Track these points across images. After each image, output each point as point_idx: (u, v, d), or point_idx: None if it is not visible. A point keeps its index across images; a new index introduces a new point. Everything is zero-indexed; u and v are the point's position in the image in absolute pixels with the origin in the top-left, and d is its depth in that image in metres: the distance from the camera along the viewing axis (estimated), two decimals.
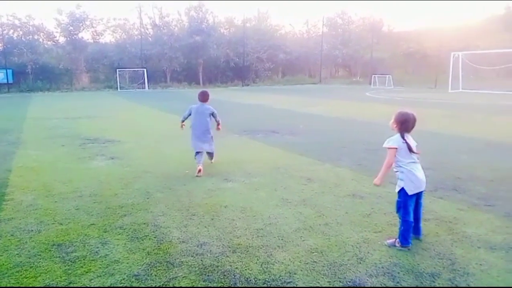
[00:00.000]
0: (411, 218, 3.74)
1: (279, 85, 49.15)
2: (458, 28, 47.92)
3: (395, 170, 3.84)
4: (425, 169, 6.63)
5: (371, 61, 50.15)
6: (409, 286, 3.08)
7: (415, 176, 3.71)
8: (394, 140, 3.76)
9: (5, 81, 36.76)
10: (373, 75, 44.78)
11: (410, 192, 3.71)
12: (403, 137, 3.73)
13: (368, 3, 77.02)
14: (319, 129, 11.91)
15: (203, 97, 7.02)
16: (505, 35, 43.22)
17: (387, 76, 42.89)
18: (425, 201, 4.99)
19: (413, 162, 3.76)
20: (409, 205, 3.73)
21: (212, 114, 7.01)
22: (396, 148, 3.72)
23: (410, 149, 3.71)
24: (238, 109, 18.92)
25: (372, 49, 50.51)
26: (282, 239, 3.95)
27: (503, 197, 5.22)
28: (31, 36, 43.29)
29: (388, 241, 3.82)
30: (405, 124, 3.75)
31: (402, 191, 3.75)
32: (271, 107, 19.79)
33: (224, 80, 49.93)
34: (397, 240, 3.75)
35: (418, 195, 3.81)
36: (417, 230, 3.91)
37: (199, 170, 6.45)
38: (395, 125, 3.80)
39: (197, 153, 6.75)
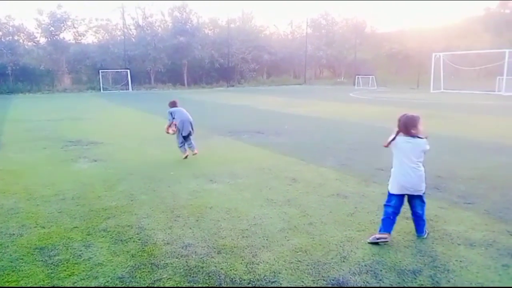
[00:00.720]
0: (389, 209, 3.89)
1: (264, 86, 49.27)
2: (439, 28, 48.83)
3: None
4: None
5: (354, 62, 50.64)
6: (391, 283, 3.14)
7: (393, 178, 3.92)
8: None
9: None
10: (356, 76, 45.22)
11: (391, 191, 3.92)
12: (396, 134, 3.88)
13: (351, 4, 77.81)
14: (303, 129, 11.99)
15: (176, 103, 8.45)
16: (484, 36, 44.13)
17: (371, 76, 43.37)
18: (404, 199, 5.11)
19: (402, 164, 3.86)
20: (390, 199, 3.93)
21: None
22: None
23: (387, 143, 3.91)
24: (223, 110, 18.91)
25: (355, 50, 51.03)
26: (267, 239, 3.97)
27: (483, 195, 5.35)
28: (11, 37, 42.48)
29: (371, 238, 3.92)
30: (401, 123, 3.92)
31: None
32: (256, 108, 19.82)
33: (209, 81, 49.81)
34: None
35: (411, 198, 3.97)
36: (416, 229, 4.06)
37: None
38: (397, 128, 3.91)
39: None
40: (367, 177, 6.29)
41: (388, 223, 3.89)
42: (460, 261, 3.48)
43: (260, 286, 3.12)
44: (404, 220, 4.45)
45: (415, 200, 3.97)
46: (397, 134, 3.86)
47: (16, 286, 3.16)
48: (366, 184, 5.96)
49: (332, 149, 8.72)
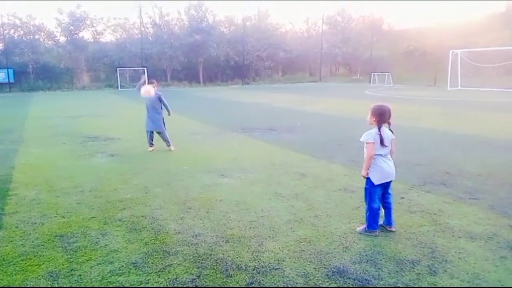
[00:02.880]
0: (376, 205, 4.02)
1: (279, 83, 49.35)
2: (458, 25, 48.02)
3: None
4: (416, 165, 6.90)
5: (371, 59, 50.29)
6: (389, 272, 3.28)
7: (381, 168, 3.96)
8: (371, 134, 3.95)
9: (7, 80, 37.08)
10: (372, 73, 44.93)
11: (375, 182, 3.97)
12: (379, 129, 3.93)
13: (368, 1, 77.00)
14: (316, 126, 12.11)
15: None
16: (505, 33, 43.27)
17: (387, 74, 43.07)
18: (412, 195, 5.23)
19: (381, 155, 3.96)
20: (374, 193, 4.01)
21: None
22: (374, 142, 3.92)
23: (381, 142, 3.92)
24: (237, 108, 19.13)
25: (372, 47, 50.66)
26: (273, 230, 4.15)
27: (489, 191, 5.41)
28: (32, 36, 43.55)
29: (358, 228, 4.11)
30: (382, 117, 3.94)
31: (368, 180, 4.03)
32: (270, 105, 19.98)
33: (224, 79, 50.17)
34: (365, 226, 4.05)
35: (385, 185, 4.06)
36: (388, 221, 4.13)
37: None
38: (374, 119, 3.97)
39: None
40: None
41: (376, 219, 4.03)
42: (459, 252, 3.60)
43: (265, 272, 3.30)
44: (408, 214, 4.58)
45: (388, 188, 4.11)
46: (380, 129, 3.95)
47: (37, 269, 3.41)
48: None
49: (343, 146, 8.84)
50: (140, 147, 9.06)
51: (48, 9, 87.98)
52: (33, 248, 3.80)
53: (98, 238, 4.00)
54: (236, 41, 50.00)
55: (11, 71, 37.38)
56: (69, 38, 43.83)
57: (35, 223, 4.44)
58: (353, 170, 6.61)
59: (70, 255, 3.64)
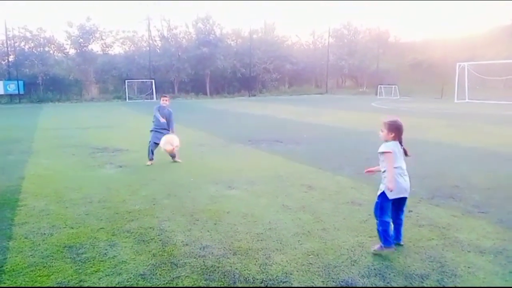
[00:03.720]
0: (388, 219, 3.88)
1: (285, 95, 49.52)
2: (464, 38, 48.11)
3: (383, 175, 3.96)
4: (424, 177, 6.86)
5: (377, 72, 50.37)
6: (398, 286, 3.26)
7: (397, 182, 3.82)
8: (389, 145, 3.87)
9: (17, 92, 37.57)
10: (379, 86, 44.96)
11: (390, 196, 3.83)
12: (401, 143, 3.90)
13: (374, 14, 77.50)
14: (322, 138, 12.12)
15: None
16: (511, 46, 43.19)
17: (393, 86, 43.08)
18: (420, 208, 5.20)
19: (399, 168, 3.87)
20: (386, 207, 3.87)
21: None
22: (391, 152, 3.84)
23: (406, 153, 3.91)
24: (244, 119, 19.20)
25: (378, 59, 50.78)
26: (280, 243, 4.15)
27: (497, 204, 5.37)
28: (42, 48, 44.20)
29: (374, 248, 3.90)
30: (400, 131, 3.88)
31: (382, 194, 3.88)
32: (276, 117, 20.04)
33: (231, 91, 50.46)
34: (381, 244, 3.86)
35: (400, 202, 3.95)
36: (397, 236, 4.04)
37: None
38: (391, 135, 3.88)
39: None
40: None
41: (389, 233, 3.87)
42: (468, 267, 3.57)
43: (272, 285, 3.30)
44: (417, 227, 4.56)
45: (403, 205, 4.01)
46: (401, 140, 3.92)
47: (47, 280, 3.43)
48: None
49: (349, 158, 8.83)
50: (147, 158, 9.11)
51: (58, 22, 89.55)
52: (42, 259, 3.83)
53: (106, 249, 4.02)
54: (243, 54, 50.39)
55: (21, 82, 37.91)
56: (78, 51, 44.44)
57: (44, 233, 4.48)
58: (360, 183, 6.60)
59: (79, 266, 3.67)
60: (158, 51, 48.92)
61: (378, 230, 3.90)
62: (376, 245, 3.92)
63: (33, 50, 43.51)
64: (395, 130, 3.88)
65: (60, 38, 49.53)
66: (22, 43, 43.30)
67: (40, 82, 41.02)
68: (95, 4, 76.73)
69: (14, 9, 70.34)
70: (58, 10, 76.42)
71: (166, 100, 8.74)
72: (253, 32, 53.91)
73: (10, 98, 37.80)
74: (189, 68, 46.39)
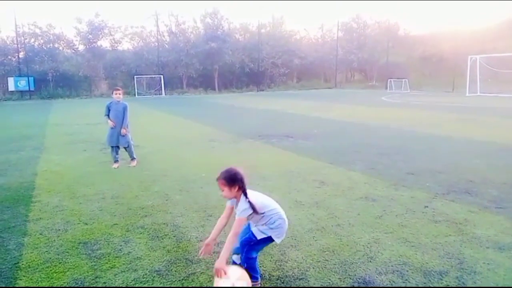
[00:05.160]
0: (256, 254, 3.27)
1: (294, 90, 49.36)
2: (475, 30, 47.42)
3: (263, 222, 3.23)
4: (439, 173, 6.79)
5: (387, 65, 49.88)
6: (417, 283, 3.21)
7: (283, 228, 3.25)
8: (244, 206, 3.11)
9: (27, 88, 37.95)
10: (389, 79, 44.59)
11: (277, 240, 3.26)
12: (246, 196, 3.12)
13: (384, 7, 76.56)
14: (333, 133, 12.03)
15: None
16: None
17: (403, 80, 42.68)
18: (436, 204, 5.14)
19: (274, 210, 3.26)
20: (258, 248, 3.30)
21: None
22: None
23: (254, 209, 3.10)
24: (253, 115, 19.15)
25: (388, 53, 50.27)
26: (295, 239, 4.11)
27: None
28: (51, 45, 44.49)
29: None
30: (242, 178, 3.12)
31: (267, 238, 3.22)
32: (285, 112, 19.96)
33: (239, 86, 50.44)
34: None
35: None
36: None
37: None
38: (236, 188, 3.10)
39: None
40: (396, 181, 6.31)
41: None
42: (488, 263, 3.51)
43: (289, 282, 3.26)
44: (433, 223, 4.49)
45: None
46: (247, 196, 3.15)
47: (63, 276, 3.44)
48: (395, 188, 5.98)
49: (361, 153, 8.74)
50: (158, 154, 9.14)
51: (68, 18, 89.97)
52: (58, 255, 3.84)
53: (121, 246, 4.02)
54: (251, 48, 50.26)
55: (31, 79, 38.25)
56: (87, 47, 44.64)
57: (59, 229, 4.49)
58: (373, 178, 6.53)
59: (94, 262, 3.67)
60: (167, 46, 48.98)
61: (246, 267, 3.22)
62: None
63: (43, 46, 43.81)
64: (239, 181, 3.10)
65: (69, 34, 49.82)
66: (32, 40, 43.64)
67: (50, 78, 41.36)
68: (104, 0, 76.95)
69: (24, 6, 70.82)
70: (67, 7, 76.77)
71: (119, 94, 7.84)
72: (261, 26, 53.74)
73: (21, 94, 38.20)
74: (197, 63, 46.41)
